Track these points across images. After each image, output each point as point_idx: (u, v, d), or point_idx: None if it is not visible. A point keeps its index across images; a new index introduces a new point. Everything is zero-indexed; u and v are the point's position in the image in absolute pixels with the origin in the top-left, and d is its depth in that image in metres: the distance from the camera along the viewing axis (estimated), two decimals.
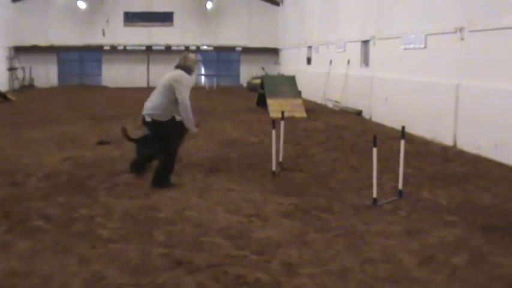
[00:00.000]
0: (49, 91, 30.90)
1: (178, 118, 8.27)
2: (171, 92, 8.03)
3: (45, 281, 4.83)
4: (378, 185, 7.67)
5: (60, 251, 5.55)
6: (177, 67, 8.33)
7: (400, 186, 7.82)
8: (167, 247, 5.67)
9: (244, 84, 34.88)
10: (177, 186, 8.29)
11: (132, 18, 35.68)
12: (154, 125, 8.26)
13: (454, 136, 12.41)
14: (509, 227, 6.52)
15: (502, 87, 10.75)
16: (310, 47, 27.49)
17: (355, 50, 20.16)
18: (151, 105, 8.23)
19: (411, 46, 14.96)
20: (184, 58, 8.43)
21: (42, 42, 33.91)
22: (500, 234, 6.19)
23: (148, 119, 8.24)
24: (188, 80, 8.22)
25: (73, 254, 5.47)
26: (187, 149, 11.59)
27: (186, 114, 8.08)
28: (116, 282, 4.80)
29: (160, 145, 8.39)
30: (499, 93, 10.86)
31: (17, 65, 32.70)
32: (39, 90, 31.37)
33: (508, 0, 10.73)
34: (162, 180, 8.25)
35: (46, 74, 34.59)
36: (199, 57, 8.78)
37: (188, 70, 8.31)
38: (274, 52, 36.24)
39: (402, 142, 7.92)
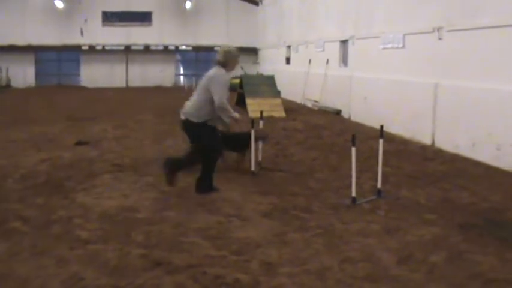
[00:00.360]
0: (26, 91, 30.60)
1: (211, 123, 7.81)
2: (208, 91, 7.67)
3: (22, 283, 4.78)
4: (357, 184, 7.70)
5: (37, 253, 5.49)
6: (216, 63, 7.90)
7: (378, 185, 7.86)
8: (146, 248, 5.63)
9: None
10: (220, 190, 8.06)
11: (110, 18, 35.49)
12: (187, 125, 7.89)
13: (433, 135, 12.50)
14: (487, 225, 6.58)
15: (479, 87, 10.85)
16: (289, 47, 27.54)
17: (334, 49, 20.23)
18: (189, 104, 7.91)
19: (390, 46, 15.04)
20: (221, 52, 7.93)
21: (20, 41, 33.58)
22: (477, 232, 6.24)
23: (182, 117, 7.90)
24: (223, 77, 7.79)
25: (51, 255, 5.42)
26: (165, 149, 11.56)
27: (224, 112, 7.76)
28: (95, 284, 4.76)
29: (195, 147, 8.06)
30: (477, 92, 10.95)
31: None
32: (16, 91, 31.06)
33: (484, 1, 10.84)
34: (203, 187, 7.97)
35: (23, 74, 34.25)
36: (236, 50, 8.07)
37: (224, 65, 7.87)
38: (253, 52, 36.24)
39: (381, 141, 7.97)
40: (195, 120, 7.75)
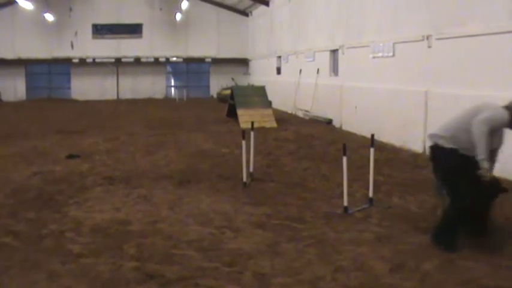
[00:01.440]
0: (17, 105, 30.54)
1: (465, 152, 5.87)
2: (474, 115, 5.83)
3: None
4: (349, 193, 7.70)
5: (29, 268, 5.46)
6: (505, 106, 5.92)
7: (370, 193, 7.86)
8: (138, 260, 5.61)
9: (215, 95, 34.92)
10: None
11: (100, 30, 35.51)
12: (434, 151, 6.25)
13: (424, 143, 12.51)
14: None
15: (468, 94, 10.88)
16: (279, 57, 27.62)
17: (324, 59, 20.29)
18: (442, 124, 6.27)
19: (380, 54, 15.11)
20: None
21: (9, 55, 33.55)
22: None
23: (430, 142, 6.33)
24: (501, 114, 5.80)
25: (42, 270, 5.39)
26: (157, 161, 11.55)
27: (475, 141, 5.68)
28: None
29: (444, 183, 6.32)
30: (466, 99, 10.96)
31: None
32: (6, 104, 30.98)
33: (472, 9, 10.91)
34: (441, 235, 6.04)
35: (14, 88, 34.23)
36: None
37: None
38: (243, 63, 36.35)
39: (372, 150, 7.99)
40: (444, 144, 6.05)
